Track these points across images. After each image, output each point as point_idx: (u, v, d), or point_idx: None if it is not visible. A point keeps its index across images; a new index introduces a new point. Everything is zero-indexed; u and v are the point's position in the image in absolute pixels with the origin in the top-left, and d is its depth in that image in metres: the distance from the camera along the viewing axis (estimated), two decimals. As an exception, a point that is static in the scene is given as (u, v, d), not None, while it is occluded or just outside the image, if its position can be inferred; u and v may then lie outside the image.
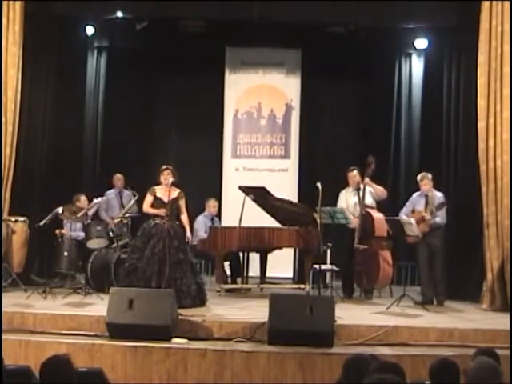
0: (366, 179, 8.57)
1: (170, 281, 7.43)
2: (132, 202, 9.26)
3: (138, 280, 7.48)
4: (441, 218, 8.20)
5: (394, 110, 10.81)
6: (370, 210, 8.57)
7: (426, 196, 8.35)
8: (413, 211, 8.35)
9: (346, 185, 8.81)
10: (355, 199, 8.66)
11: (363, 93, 11.05)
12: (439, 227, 8.23)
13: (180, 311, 6.83)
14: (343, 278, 8.88)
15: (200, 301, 7.66)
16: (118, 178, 9.86)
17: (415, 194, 8.51)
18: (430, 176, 8.42)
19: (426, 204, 8.30)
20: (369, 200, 8.66)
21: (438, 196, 8.31)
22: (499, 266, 8.02)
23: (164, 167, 7.95)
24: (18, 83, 8.63)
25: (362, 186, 8.59)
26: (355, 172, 8.68)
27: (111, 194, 9.76)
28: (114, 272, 8.31)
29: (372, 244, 8.44)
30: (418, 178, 8.45)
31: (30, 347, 6.32)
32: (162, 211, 7.75)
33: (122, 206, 9.57)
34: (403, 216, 8.31)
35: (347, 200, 8.72)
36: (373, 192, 8.67)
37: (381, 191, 8.73)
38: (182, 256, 7.64)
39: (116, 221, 9.02)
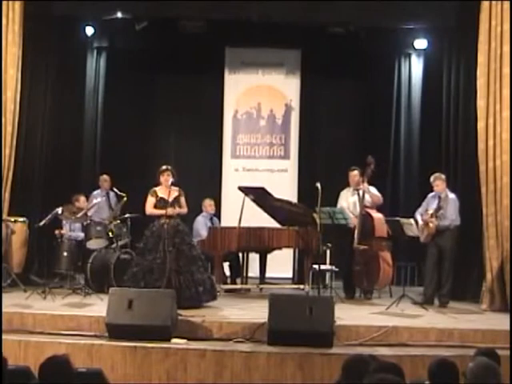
0: (365, 184, 8.52)
1: (188, 276, 7.44)
2: (121, 203, 9.11)
3: (157, 280, 7.36)
4: (448, 220, 8.09)
5: (394, 110, 10.81)
6: (369, 211, 8.55)
7: (439, 197, 8.22)
8: (427, 211, 8.26)
9: (345, 185, 8.79)
10: (354, 199, 8.64)
11: (363, 93, 11.04)
12: (447, 229, 8.11)
13: (180, 311, 6.82)
14: (345, 278, 8.85)
15: (213, 296, 7.68)
16: (105, 180, 9.62)
17: (430, 195, 8.38)
18: (443, 177, 8.29)
19: (438, 205, 8.15)
20: (368, 200, 8.62)
21: (449, 197, 8.19)
22: (499, 266, 8.02)
23: (164, 168, 7.87)
24: (18, 83, 8.62)
25: (361, 187, 8.57)
26: (356, 172, 8.64)
27: (98, 194, 9.49)
28: (113, 272, 8.32)
29: (372, 244, 8.42)
30: (431, 178, 8.30)
31: (30, 347, 6.31)
32: (166, 211, 7.67)
33: (111, 207, 9.48)
34: (418, 216, 8.26)
35: (347, 199, 8.70)
36: (368, 197, 8.61)
37: (377, 198, 8.66)
38: (194, 252, 7.69)
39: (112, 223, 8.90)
